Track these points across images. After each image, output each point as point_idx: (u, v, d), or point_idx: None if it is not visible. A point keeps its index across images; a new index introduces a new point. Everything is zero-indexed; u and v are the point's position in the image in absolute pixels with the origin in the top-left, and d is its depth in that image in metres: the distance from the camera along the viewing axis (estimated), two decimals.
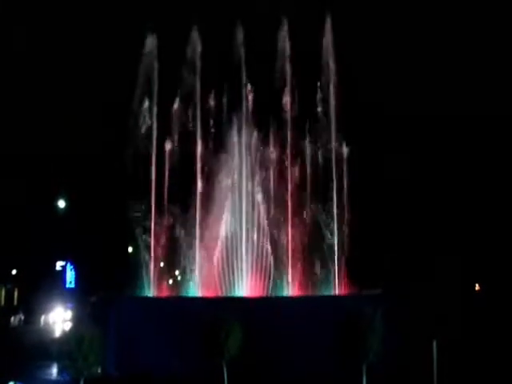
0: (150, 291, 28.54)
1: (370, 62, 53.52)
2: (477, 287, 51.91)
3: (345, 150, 29.74)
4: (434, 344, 20.15)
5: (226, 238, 29.46)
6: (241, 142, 29.80)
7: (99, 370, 20.46)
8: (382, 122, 51.49)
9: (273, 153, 30.01)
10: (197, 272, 29.02)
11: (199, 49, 29.62)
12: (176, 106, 29.46)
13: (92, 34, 66.37)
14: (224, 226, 29.68)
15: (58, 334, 34.92)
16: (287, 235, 29.24)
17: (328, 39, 29.88)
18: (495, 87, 55.39)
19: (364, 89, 44.23)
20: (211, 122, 29.71)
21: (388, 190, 50.17)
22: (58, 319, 55.32)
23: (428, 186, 53.77)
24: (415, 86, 55.32)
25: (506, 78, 54.29)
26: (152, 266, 28.96)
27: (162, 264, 30.26)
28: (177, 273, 31.64)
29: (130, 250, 64.71)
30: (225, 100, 29.62)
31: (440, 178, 53.94)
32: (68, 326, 32.73)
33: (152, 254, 29.01)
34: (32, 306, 61.26)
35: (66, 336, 20.66)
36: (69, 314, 55.24)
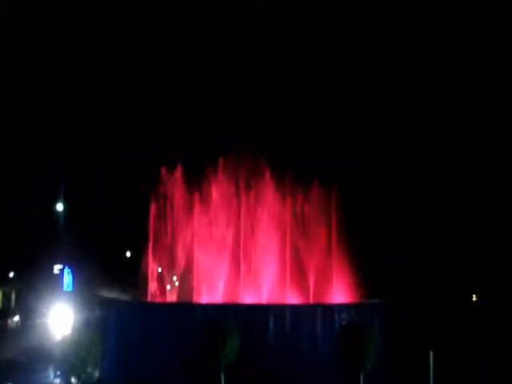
0: (148, 297, 28.59)
1: None
2: (474, 298, 51.90)
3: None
4: (431, 354, 20.20)
5: (225, 244, 29.54)
6: None
7: (97, 374, 20.51)
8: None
9: None
10: (194, 278, 29.08)
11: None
12: None
13: None
14: (223, 231, 29.77)
15: (55, 337, 34.84)
16: (287, 242, 29.36)
17: None
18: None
19: None
20: None
21: (386, 197, 50.23)
22: (56, 322, 55.16)
23: (428, 192, 53.85)
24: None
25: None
26: (150, 272, 29.01)
27: (159, 270, 30.32)
28: (174, 278, 31.69)
29: (128, 254, 64.73)
30: None
31: (437, 184, 54.05)
32: (65, 329, 32.72)
33: (150, 260, 29.07)
34: (29, 308, 61.15)
35: (64, 339, 20.71)
36: (66, 318, 55.10)
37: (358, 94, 53.56)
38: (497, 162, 54.31)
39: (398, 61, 56.42)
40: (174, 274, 30.60)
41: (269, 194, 29.84)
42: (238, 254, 29.20)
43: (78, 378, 19.41)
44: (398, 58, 56.59)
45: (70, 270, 69.13)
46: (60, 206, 62.26)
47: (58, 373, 20.37)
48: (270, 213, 29.89)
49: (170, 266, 29.68)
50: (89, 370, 19.65)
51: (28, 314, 59.20)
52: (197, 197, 29.69)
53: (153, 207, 29.41)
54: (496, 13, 55.54)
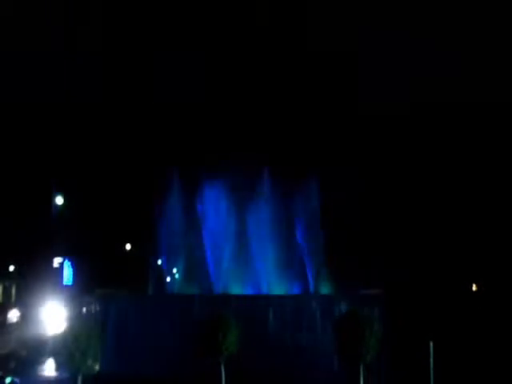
0: (148, 289, 28.59)
1: None
2: (474, 287, 52.01)
3: None
4: (431, 344, 20.15)
5: (225, 235, 29.53)
6: None
7: (97, 367, 20.46)
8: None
9: None
10: (195, 269, 29.07)
11: None
12: None
13: None
14: (223, 223, 29.77)
15: (55, 330, 34.88)
16: (286, 232, 29.35)
17: None
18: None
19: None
20: None
21: (384, 190, 50.23)
22: (56, 316, 55.23)
23: (425, 185, 53.82)
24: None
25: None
26: (150, 264, 29.01)
27: (159, 262, 30.32)
28: (174, 270, 31.66)
29: (128, 247, 64.79)
30: None
31: (437, 177, 54.00)
32: (66, 322, 32.75)
33: (150, 252, 29.07)
34: (30, 302, 61.26)
35: (64, 332, 20.66)
36: (66, 311, 55.21)
37: (356, 99, 53.69)
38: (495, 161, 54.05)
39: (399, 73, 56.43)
40: (174, 266, 30.58)
41: (268, 187, 29.87)
42: (239, 245, 29.21)
43: (78, 371, 19.36)
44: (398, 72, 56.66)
45: (70, 263, 69.24)
46: (59, 199, 62.18)
47: (55, 365, 20.37)
48: (269, 205, 29.91)
49: (170, 257, 29.67)
50: (89, 362, 19.61)
51: (28, 308, 59.30)
52: (196, 190, 29.70)
53: (152, 200, 29.41)
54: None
